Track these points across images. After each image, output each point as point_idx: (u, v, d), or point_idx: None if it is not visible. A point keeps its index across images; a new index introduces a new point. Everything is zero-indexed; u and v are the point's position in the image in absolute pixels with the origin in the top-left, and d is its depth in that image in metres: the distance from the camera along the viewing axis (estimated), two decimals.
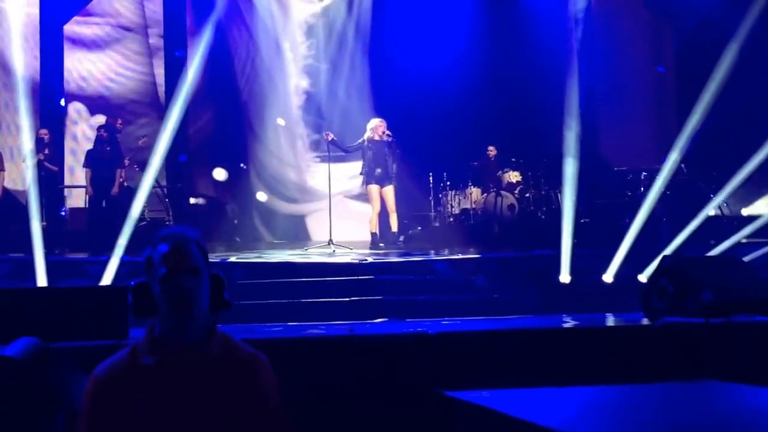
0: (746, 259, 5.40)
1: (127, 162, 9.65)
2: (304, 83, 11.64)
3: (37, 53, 10.70)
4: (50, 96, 10.66)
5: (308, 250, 8.80)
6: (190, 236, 2.01)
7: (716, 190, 8.17)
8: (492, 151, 10.57)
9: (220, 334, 2.04)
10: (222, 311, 2.05)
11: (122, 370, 1.97)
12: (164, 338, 1.98)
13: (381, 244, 8.93)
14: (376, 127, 8.96)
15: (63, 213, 9.86)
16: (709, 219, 7.59)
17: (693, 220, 7.39)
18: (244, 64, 11.58)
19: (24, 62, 8.25)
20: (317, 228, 11.19)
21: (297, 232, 11.30)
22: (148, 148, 9.10)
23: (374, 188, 8.95)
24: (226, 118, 11.47)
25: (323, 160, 11.31)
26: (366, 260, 7.46)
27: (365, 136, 8.99)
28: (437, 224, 10.33)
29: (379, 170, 8.86)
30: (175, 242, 1.99)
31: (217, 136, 11.53)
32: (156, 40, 11.65)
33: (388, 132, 8.92)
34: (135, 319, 2.03)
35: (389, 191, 8.97)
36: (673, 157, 7.83)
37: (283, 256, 8.21)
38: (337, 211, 11.12)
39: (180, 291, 1.94)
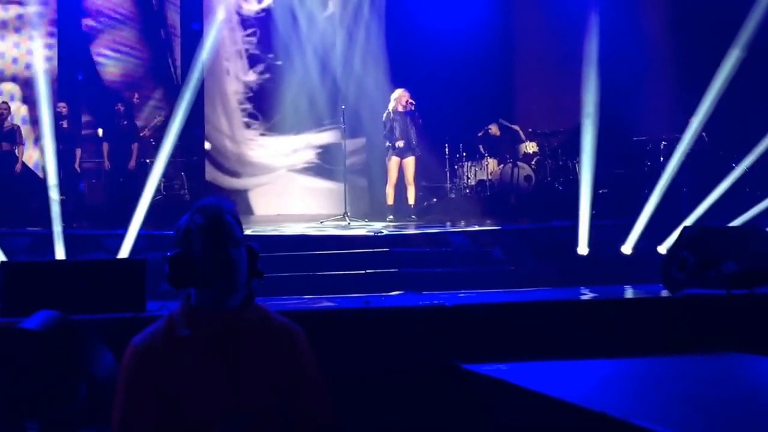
0: None
1: (146, 132, 9.70)
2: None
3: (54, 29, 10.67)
4: (67, 70, 10.66)
5: (323, 223, 8.81)
6: (226, 208, 2.04)
7: (738, 159, 8.01)
8: (494, 128, 10.48)
9: (254, 305, 2.06)
10: (255, 281, 2.07)
11: (159, 341, 2.00)
12: (201, 309, 2.00)
13: (390, 217, 8.90)
14: (399, 97, 8.86)
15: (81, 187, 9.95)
16: (731, 188, 7.46)
17: (714, 189, 7.27)
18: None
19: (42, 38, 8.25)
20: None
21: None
22: (162, 127, 9.19)
23: (395, 160, 8.89)
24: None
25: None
26: (381, 233, 7.45)
27: (390, 108, 8.90)
28: (453, 196, 10.28)
29: (403, 141, 8.80)
30: (214, 214, 2.00)
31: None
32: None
33: (411, 101, 8.82)
34: (174, 290, 2.03)
35: (410, 162, 8.91)
36: (694, 126, 7.69)
37: (298, 229, 8.22)
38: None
39: (226, 261, 1.96)
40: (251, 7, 11.26)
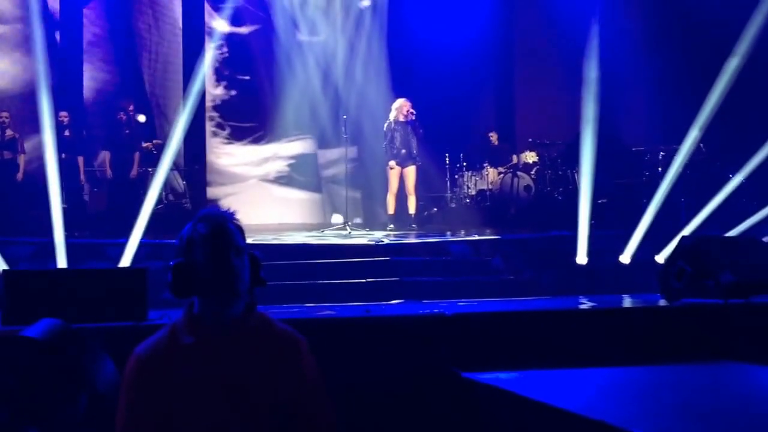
0: (766, 239, 5.33)
1: (148, 144, 9.74)
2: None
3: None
4: (69, 79, 10.69)
5: (324, 232, 8.84)
6: (228, 216, 2.05)
7: (735, 170, 8.06)
8: (494, 137, 10.54)
9: (257, 313, 2.07)
10: (257, 289, 2.08)
11: (163, 350, 2.00)
12: (204, 317, 2.02)
13: (391, 226, 8.92)
14: (401, 107, 8.89)
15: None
16: (728, 199, 7.50)
17: (712, 200, 7.30)
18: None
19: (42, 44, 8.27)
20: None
21: None
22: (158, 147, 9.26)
23: (396, 169, 8.92)
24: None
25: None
26: (382, 241, 7.47)
27: (391, 117, 8.94)
28: (454, 205, 10.31)
29: (404, 151, 8.83)
30: (216, 222, 2.02)
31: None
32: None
33: (412, 111, 8.86)
34: (175, 299, 2.04)
35: (411, 172, 8.93)
36: (692, 137, 7.73)
37: (299, 238, 8.24)
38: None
39: (227, 269, 1.98)
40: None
